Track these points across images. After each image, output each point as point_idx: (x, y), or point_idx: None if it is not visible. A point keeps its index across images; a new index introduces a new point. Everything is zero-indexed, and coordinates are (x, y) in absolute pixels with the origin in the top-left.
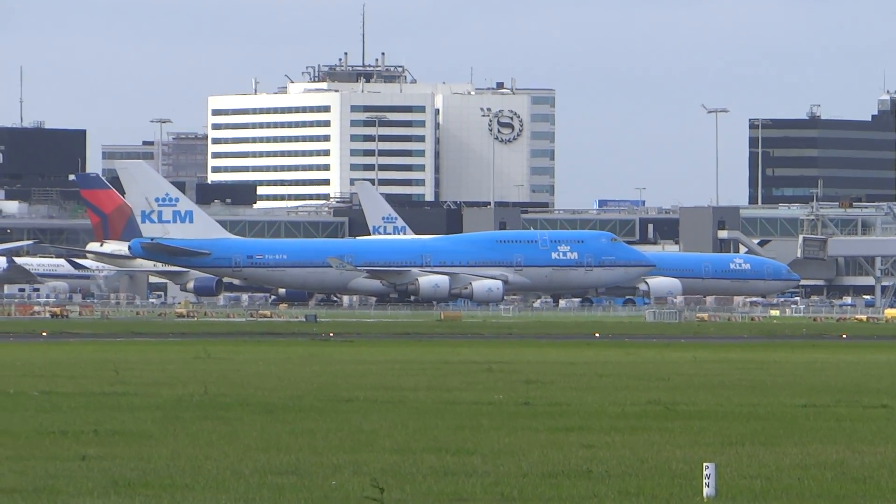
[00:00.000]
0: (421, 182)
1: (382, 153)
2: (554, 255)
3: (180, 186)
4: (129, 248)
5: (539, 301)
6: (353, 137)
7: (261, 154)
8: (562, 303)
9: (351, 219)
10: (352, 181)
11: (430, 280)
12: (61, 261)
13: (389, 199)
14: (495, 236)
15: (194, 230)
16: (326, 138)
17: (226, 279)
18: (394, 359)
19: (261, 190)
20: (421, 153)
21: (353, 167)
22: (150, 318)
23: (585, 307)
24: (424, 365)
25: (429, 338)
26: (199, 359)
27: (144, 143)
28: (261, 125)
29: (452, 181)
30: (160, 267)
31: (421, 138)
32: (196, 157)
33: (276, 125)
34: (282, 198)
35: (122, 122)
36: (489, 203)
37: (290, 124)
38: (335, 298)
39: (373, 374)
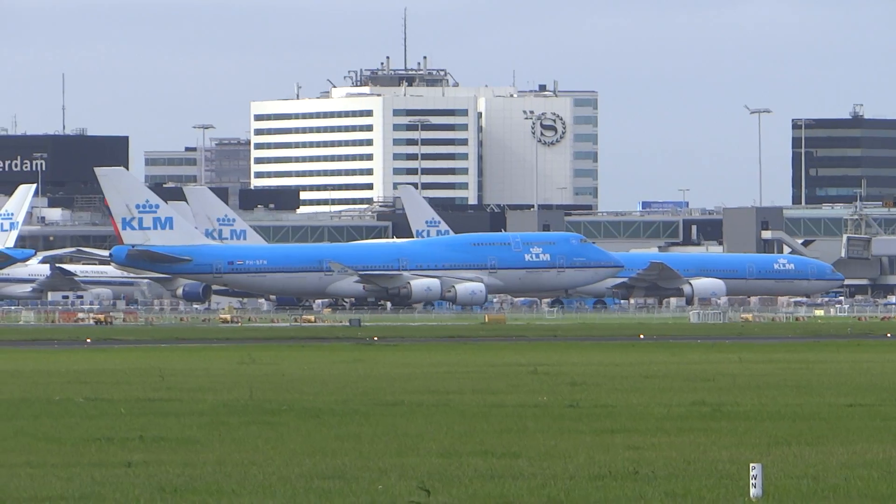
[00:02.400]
0: (464, 185)
1: (425, 157)
2: (527, 257)
3: (223, 192)
4: (111, 255)
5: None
6: (396, 141)
7: (303, 159)
8: (519, 301)
9: (394, 223)
10: (395, 185)
11: (422, 283)
12: (106, 267)
13: (433, 202)
14: (470, 239)
15: (175, 237)
16: (369, 143)
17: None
18: (439, 362)
19: (304, 195)
20: (464, 156)
21: (396, 171)
22: (194, 323)
23: (556, 308)
24: (469, 368)
25: (473, 341)
26: (243, 364)
27: (187, 149)
28: (303, 130)
29: (495, 184)
30: (145, 274)
31: (464, 141)
32: (239, 163)
33: (318, 130)
34: (325, 203)
35: (164, 128)
36: (532, 206)
37: (332, 129)
38: (343, 303)
39: (418, 378)
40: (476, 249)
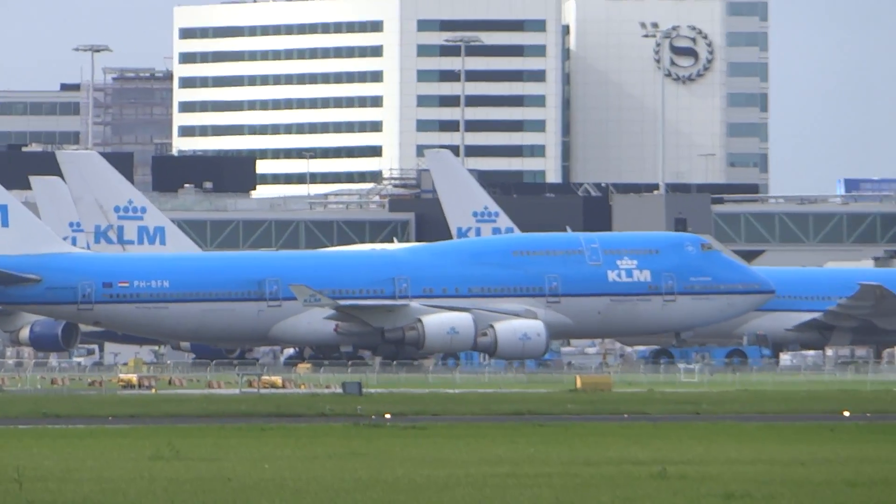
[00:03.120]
0: (539, 150)
1: (473, 102)
2: (611, 276)
3: (126, 161)
4: None
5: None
6: (423, 75)
7: (264, 105)
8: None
9: (418, 214)
10: (420, 150)
11: (441, 321)
12: None
13: (485, 179)
14: (511, 244)
15: (12, 240)
16: (376, 77)
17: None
18: (497, 458)
19: (263, 166)
20: (539, 101)
21: (423, 126)
22: (76, 389)
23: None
24: (551, 469)
25: (556, 421)
26: (160, 460)
27: (64, 87)
28: (263, 56)
29: (593, 150)
30: None
31: (538, 76)
32: (152, 112)
33: (289, 55)
34: (301, 180)
35: (26, 52)
36: (657, 186)
37: (314, 54)
38: (336, 354)
39: (461, 486)
40: (522, 262)
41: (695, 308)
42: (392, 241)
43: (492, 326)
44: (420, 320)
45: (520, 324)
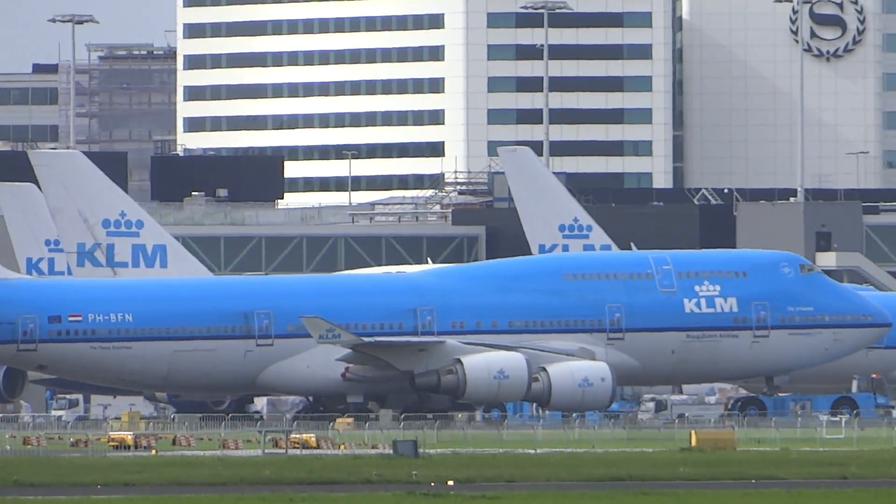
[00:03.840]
0: (644, 147)
1: (559, 85)
2: (688, 306)
3: (118, 162)
4: None
5: None
6: (495, 52)
7: (292, 91)
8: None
9: (490, 228)
10: (493, 147)
11: (487, 363)
12: None
13: (575, 184)
14: (561, 265)
15: None
16: (436, 54)
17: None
18: None
19: (292, 168)
20: (643, 85)
21: (495, 117)
22: (56, 450)
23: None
24: None
25: (665, 487)
26: None
27: (37, 67)
28: (291, 28)
29: (712, 146)
30: None
31: (643, 52)
32: (150, 100)
33: (323, 28)
34: (340, 185)
35: None
36: (794, 192)
37: (355, 25)
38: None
39: None
40: (575, 288)
41: (792, 345)
42: (427, 262)
43: (544, 370)
44: (460, 361)
45: (579, 367)
